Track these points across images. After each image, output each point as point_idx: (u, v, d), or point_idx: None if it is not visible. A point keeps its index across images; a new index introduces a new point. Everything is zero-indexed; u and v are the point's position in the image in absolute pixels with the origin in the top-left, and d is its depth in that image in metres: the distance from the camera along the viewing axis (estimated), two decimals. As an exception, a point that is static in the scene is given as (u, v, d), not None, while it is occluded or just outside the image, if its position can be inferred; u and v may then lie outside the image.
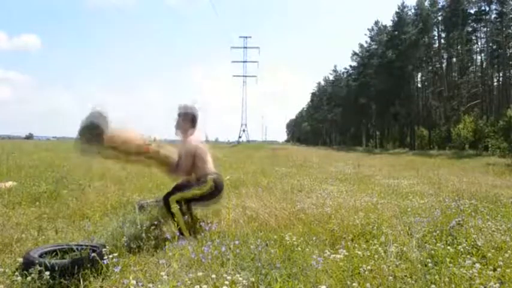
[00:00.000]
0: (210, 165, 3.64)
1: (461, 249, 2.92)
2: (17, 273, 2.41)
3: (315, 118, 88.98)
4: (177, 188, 3.53)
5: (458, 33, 40.21)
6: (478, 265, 2.48)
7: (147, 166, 3.31)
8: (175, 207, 3.39)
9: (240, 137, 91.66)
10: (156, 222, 3.54)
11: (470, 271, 2.40)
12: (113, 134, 2.59)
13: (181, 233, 3.34)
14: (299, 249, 2.98)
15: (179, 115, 3.67)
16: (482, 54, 41.58)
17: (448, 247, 2.93)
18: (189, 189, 3.49)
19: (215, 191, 3.58)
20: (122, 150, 2.84)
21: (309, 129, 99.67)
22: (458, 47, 42.67)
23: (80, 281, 2.30)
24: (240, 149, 38.12)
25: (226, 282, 2.22)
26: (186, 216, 3.41)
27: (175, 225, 3.38)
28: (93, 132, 2.49)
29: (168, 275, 2.33)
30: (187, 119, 3.64)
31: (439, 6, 43.19)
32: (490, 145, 24.17)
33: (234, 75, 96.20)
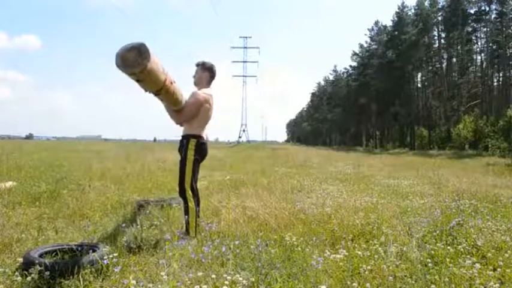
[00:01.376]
0: (202, 128, 3.60)
1: (461, 249, 2.92)
2: (17, 273, 2.42)
3: (315, 118, 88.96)
4: (181, 176, 3.50)
5: (458, 33, 40.21)
6: (478, 265, 2.48)
7: (161, 99, 3.28)
8: (192, 202, 3.40)
9: (240, 137, 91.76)
10: (156, 222, 3.54)
11: (470, 271, 2.40)
12: (153, 64, 2.56)
13: (187, 230, 3.34)
14: (299, 249, 2.98)
15: (197, 65, 3.71)
16: (482, 54, 41.60)
17: (448, 247, 2.93)
18: (185, 167, 3.46)
19: (201, 151, 3.55)
20: (152, 78, 2.81)
21: (309, 129, 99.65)
22: (458, 47, 42.67)
23: (80, 281, 2.30)
24: (240, 149, 38.14)
25: (226, 282, 2.22)
26: (199, 218, 3.43)
27: (186, 220, 3.37)
28: (139, 51, 2.46)
29: (168, 275, 2.33)
30: (205, 69, 3.67)
31: (439, 6, 43.20)
32: (490, 145, 24.17)
33: (234, 75, 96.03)
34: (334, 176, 9.12)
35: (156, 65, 2.64)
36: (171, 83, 3.04)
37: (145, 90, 2.93)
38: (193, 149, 3.48)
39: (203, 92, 3.58)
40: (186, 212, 3.42)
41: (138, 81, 2.71)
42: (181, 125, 3.65)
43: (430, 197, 5.77)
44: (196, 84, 3.70)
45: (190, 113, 3.52)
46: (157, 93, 3.00)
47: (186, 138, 3.53)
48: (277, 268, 2.51)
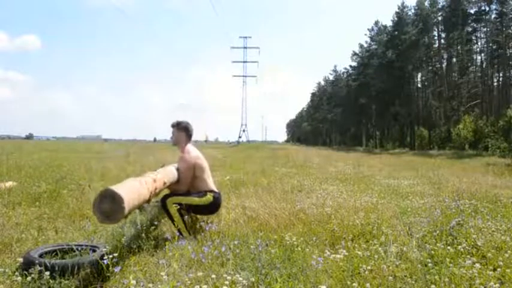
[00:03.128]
0: (210, 181, 3.70)
1: (461, 249, 2.92)
2: (17, 273, 2.41)
3: (315, 118, 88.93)
4: (175, 194, 3.54)
5: (458, 33, 40.19)
6: (478, 265, 2.48)
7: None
8: (173, 207, 3.40)
9: (240, 137, 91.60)
10: (156, 222, 3.54)
11: (470, 271, 2.40)
12: (129, 205, 2.51)
13: (181, 233, 3.34)
14: (299, 249, 2.98)
15: (172, 126, 3.76)
16: (482, 54, 41.59)
17: (448, 247, 2.93)
18: (187, 196, 3.52)
19: (214, 207, 3.63)
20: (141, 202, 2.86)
21: (309, 129, 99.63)
22: (458, 47, 42.65)
23: (80, 281, 2.30)
24: (240, 149, 38.14)
25: (226, 282, 2.22)
26: (186, 216, 3.42)
27: (175, 225, 3.39)
28: (109, 198, 2.41)
29: (168, 275, 2.33)
30: (181, 129, 3.73)
31: (439, 6, 43.19)
32: (490, 145, 24.16)
33: (234, 75, 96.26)
34: (334, 176, 9.12)
35: (132, 197, 2.55)
36: (154, 181, 3.06)
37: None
38: (210, 200, 3.55)
39: (187, 152, 3.64)
40: (171, 218, 3.42)
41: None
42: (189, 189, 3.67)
43: (430, 197, 5.76)
44: (174, 144, 3.79)
45: (188, 178, 3.59)
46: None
47: (203, 193, 3.59)
48: (277, 268, 2.51)
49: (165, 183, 3.28)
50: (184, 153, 3.64)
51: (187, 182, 3.59)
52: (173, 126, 3.76)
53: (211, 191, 3.62)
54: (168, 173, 3.49)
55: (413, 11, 46.03)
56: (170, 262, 2.58)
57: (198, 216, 3.80)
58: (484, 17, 39.10)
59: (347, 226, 3.62)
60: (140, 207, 4.49)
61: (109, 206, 2.36)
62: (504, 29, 36.77)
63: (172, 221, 3.41)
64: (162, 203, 3.49)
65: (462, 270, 2.43)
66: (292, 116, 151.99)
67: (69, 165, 10.10)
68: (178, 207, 3.41)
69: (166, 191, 3.65)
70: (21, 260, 2.53)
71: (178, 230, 3.37)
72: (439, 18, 43.55)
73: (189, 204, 3.48)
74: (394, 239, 3.17)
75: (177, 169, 3.65)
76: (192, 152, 3.66)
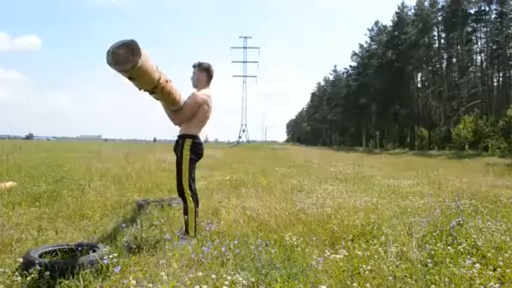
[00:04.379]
0: (199, 129, 3.60)
1: (461, 250, 2.91)
2: (17, 273, 2.41)
3: (315, 118, 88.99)
4: (178, 176, 3.51)
5: (458, 33, 40.22)
6: (478, 265, 2.48)
7: (157, 98, 3.29)
8: (191, 202, 3.41)
9: (240, 137, 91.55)
10: (156, 222, 3.54)
11: (470, 271, 2.40)
12: (145, 61, 2.55)
13: (186, 229, 3.34)
14: (299, 249, 2.98)
15: (194, 66, 3.70)
16: (482, 54, 41.62)
17: (448, 247, 2.92)
18: (181, 167, 3.46)
19: (197, 151, 3.54)
20: (145, 76, 2.81)
21: (309, 129, 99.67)
22: (458, 47, 42.67)
23: (80, 281, 2.30)
24: (240, 149, 38.15)
25: (226, 283, 2.22)
26: (198, 218, 3.43)
27: (186, 221, 3.37)
28: (130, 47, 2.45)
29: (168, 275, 2.33)
30: (203, 69, 3.66)
31: (439, 6, 43.21)
32: (490, 145, 24.18)
33: (234, 75, 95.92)
34: (334, 176, 9.11)
35: (147, 62, 2.63)
36: (166, 81, 3.03)
37: (140, 89, 2.93)
38: (189, 148, 3.47)
39: (202, 93, 3.57)
40: (186, 211, 3.42)
41: (130, 78, 2.71)
42: (179, 125, 3.64)
43: (430, 197, 5.76)
44: (194, 85, 3.69)
45: (188, 114, 3.51)
46: (152, 92, 3.00)
47: (181, 138, 3.52)
48: (277, 268, 2.51)
49: (171, 89, 3.16)
50: (198, 92, 3.56)
51: (186, 117, 3.50)
52: (194, 66, 3.68)
53: (193, 137, 3.52)
54: (177, 90, 3.41)
55: (413, 11, 46.15)
56: (170, 262, 2.58)
57: (199, 216, 3.80)
58: (484, 17, 39.14)
59: (347, 226, 3.62)
60: (140, 207, 4.52)
61: (124, 53, 2.45)
62: (504, 29, 36.79)
63: (186, 214, 3.40)
64: (181, 197, 3.48)
65: (462, 270, 2.43)
66: (292, 116, 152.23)
67: (69, 165, 10.10)
68: (194, 205, 3.41)
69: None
70: (21, 260, 2.52)
71: (185, 224, 3.36)
72: (439, 18, 43.59)
73: (188, 171, 3.45)
74: (394, 239, 3.16)
75: (184, 102, 3.54)
76: (205, 95, 3.57)
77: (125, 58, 2.46)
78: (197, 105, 3.50)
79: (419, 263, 2.64)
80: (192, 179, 3.52)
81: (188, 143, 3.48)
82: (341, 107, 64.45)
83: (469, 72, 43.12)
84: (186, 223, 3.38)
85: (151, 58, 2.72)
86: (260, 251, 2.79)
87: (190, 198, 3.43)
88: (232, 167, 12.02)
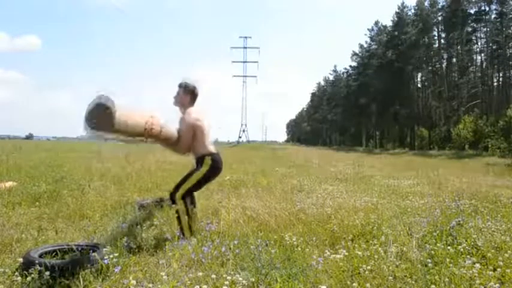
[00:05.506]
0: (209, 144, 3.62)
1: (461, 249, 2.91)
2: (17, 273, 2.41)
3: (315, 118, 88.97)
4: (183, 180, 3.52)
5: (458, 33, 40.23)
6: (478, 265, 2.48)
7: (151, 143, 3.33)
8: (182, 205, 3.40)
9: (240, 137, 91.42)
10: (156, 222, 3.54)
11: (470, 271, 2.40)
12: (121, 117, 2.52)
13: (182, 233, 3.34)
14: (299, 249, 2.98)
15: (180, 86, 3.69)
16: (482, 54, 41.62)
17: (448, 247, 2.92)
18: (192, 176, 3.49)
19: (215, 169, 3.58)
20: (128, 134, 2.82)
21: (309, 129, 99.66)
22: (458, 47, 42.68)
23: (80, 281, 2.30)
24: (240, 149, 38.14)
25: (226, 283, 2.22)
26: (187, 217, 3.41)
27: (179, 223, 3.37)
28: (101, 114, 2.42)
29: (168, 275, 2.33)
30: (188, 91, 3.66)
31: (439, 6, 43.22)
32: (490, 145, 24.19)
33: (234, 76, 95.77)
34: (334, 176, 9.11)
35: (125, 112, 2.60)
36: (150, 129, 3.05)
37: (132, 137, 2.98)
38: (209, 163, 3.51)
39: (189, 114, 3.59)
40: (178, 216, 3.41)
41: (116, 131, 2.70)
42: (188, 152, 3.65)
43: (430, 197, 5.76)
44: (176, 105, 3.71)
45: (188, 139, 3.54)
46: (146, 139, 3.07)
47: (201, 157, 3.56)
48: (277, 268, 2.51)
49: (162, 129, 3.21)
50: (185, 115, 3.58)
51: (187, 143, 3.54)
52: (180, 86, 3.69)
53: (209, 154, 3.56)
54: (168, 125, 3.44)
55: (413, 11, 46.16)
56: (170, 262, 2.58)
57: (199, 216, 3.80)
58: (484, 17, 39.14)
59: (347, 226, 3.62)
60: (140, 207, 4.51)
61: (101, 115, 2.43)
62: (504, 29, 36.80)
63: (178, 218, 3.40)
64: (172, 198, 3.48)
65: (462, 270, 2.43)
66: (292, 116, 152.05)
67: (69, 165, 10.11)
68: (185, 207, 3.40)
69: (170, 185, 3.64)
70: (21, 260, 2.52)
71: (180, 229, 3.36)
72: (439, 18, 43.59)
73: (195, 183, 3.48)
74: (394, 239, 3.17)
75: (178, 131, 3.58)
76: (193, 114, 3.60)
77: (103, 117, 2.41)
78: (191, 128, 3.53)
79: (419, 263, 2.64)
80: (191, 191, 3.51)
81: (208, 160, 3.52)
82: (341, 107, 64.45)
83: (469, 72, 43.13)
84: (181, 227, 3.38)
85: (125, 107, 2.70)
86: (260, 251, 2.79)
87: (180, 201, 3.43)
88: (232, 167, 12.00)
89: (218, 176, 3.79)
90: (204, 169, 3.50)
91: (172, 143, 3.55)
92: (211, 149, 3.63)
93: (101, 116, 2.40)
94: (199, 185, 3.55)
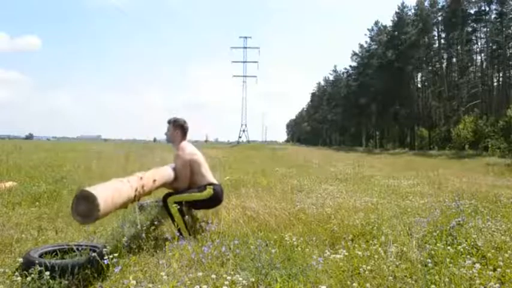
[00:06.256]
0: (209, 175, 3.69)
1: (461, 250, 2.91)
2: (17, 273, 2.41)
3: (315, 118, 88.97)
4: (175, 193, 3.55)
5: (458, 33, 40.23)
6: (478, 265, 2.48)
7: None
8: (174, 207, 3.40)
9: (240, 137, 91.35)
10: (156, 222, 3.54)
11: (470, 271, 2.40)
12: (107, 201, 2.48)
13: (181, 233, 3.34)
14: (299, 249, 2.98)
15: (169, 122, 3.75)
16: (482, 54, 41.60)
17: (448, 247, 2.92)
18: (189, 193, 3.52)
19: (215, 200, 3.63)
20: (123, 206, 2.84)
21: (309, 129, 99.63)
22: (458, 47, 42.67)
23: (80, 281, 2.30)
24: (240, 149, 38.13)
25: (226, 283, 2.22)
26: (187, 216, 3.42)
27: (175, 225, 3.39)
28: (85, 208, 2.37)
29: (168, 275, 2.33)
30: (177, 126, 3.71)
31: (439, 6, 43.21)
32: (490, 145, 24.21)
33: (234, 75, 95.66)
34: (334, 176, 9.12)
35: (109, 194, 2.53)
36: (143, 190, 3.03)
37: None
38: (210, 194, 3.55)
39: (182, 150, 3.62)
40: (172, 218, 3.42)
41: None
42: (189, 185, 3.66)
43: (430, 197, 5.76)
44: (169, 141, 3.77)
45: (186, 174, 3.57)
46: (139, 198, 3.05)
47: (203, 187, 3.58)
48: (277, 268, 2.51)
49: (155, 180, 3.24)
50: (179, 151, 3.63)
51: (186, 179, 3.58)
52: (169, 122, 3.74)
53: (211, 184, 3.61)
54: (160, 171, 3.48)
55: (413, 11, 46.13)
56: (170, 262, 2.58)
57: (199, 216, 3.80)
58: (484, 17, 39.12)
59: (347, 226, 3.62)
60: (140, 207, 4.51)
61: (85, 206, 2.32)
62: (504, 29, 36.78)
63: (173, 220, 3.41)
64: (164, 202, 3.49)
65: (462, 270, 2.43)
66: (292, 116, 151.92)
67: (69, 165, 10.11)
68: (178, 206, 3.41)
69: (166, 190, 3.65)
70: (21, 260, 2.52)
71: (178, 230, 3.37)
72: (439, 18, 43.58)
73: (190, 200, 3.49)
74: (394, 239, 3.17)
75: (174, 168, 3.64)
76: (187, 148, 3.64)
77: (89, 209, 2.32)
78: (187, 163, 3.57)
79: (419, 263, 2.64)
80: (186, 205, 3.48)
81: (210, 190, 3.55)
82: (341, 107, 64.43)
83: (469, 72, 43.12)
84: (178, 229, 3.38)
85: (107, 185, 2.66)
86: (260, 251, 2.78)
87: (172, 204, 3.43)
88: (232, 167, 12.01)
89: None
90: (204, 194, 3.53)
91: (171, 183, 3.59)
92: (212, 179, 3.68)
93: (85, 210, 2.36)
94: (193, 204, 3.56)
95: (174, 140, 3.72)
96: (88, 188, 2.38)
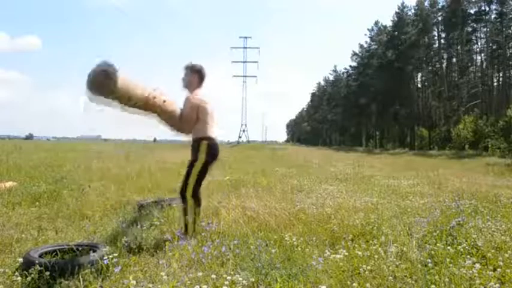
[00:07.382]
0: (210, 127, 3.56)
1: (461, 250, 2.91)
2: (17, 273, 2.42)
3: (315, 118, 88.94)
4: (186, 177, 3.50)
5: (458, 33, 40.22)
6: (478, 265, 2.48)
7: (153, 117, 3.33)
8: (190, 200, 3.39)
9: (240, 137, 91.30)
10: (156, 222, 3.54)
11: (470, 271, 2.40)
12: (123, 80, 2.58)
13: (186, 229, 3.33)
14: (299, 249, 2.98)
15: (186, 68, 3.65)
16: (482, 54, 41.59)
17: (448, 247, 2.93)
18: (192, 170, 3.47)
19: (212, 156, 3.52)
20: (130, 100, 2.84)
21: (309, 129, 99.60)
22: (458, 47, 42.66)
23: (80, 281, 2.30)
24: (240, 149, 38.13)
25: (226, 283, 2.22)
26: (194, 215, 3.42)
27: (185, 220, 3.35)
28: (103, 75, 2.48)
29: (168, 275, 2.33)
30: (195, 71, 3.63)
31: (439, 6, 43.21)
32: (490, 145, 24.21)
33: (234, 76, 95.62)
34: (334, 176, 9.11)
35: (125, 81, 2.70)
36: (153, 97, 3.09)
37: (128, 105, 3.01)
38: (205, 151, 3.46)
39: (195, 95, 3.55)
40: (185, 212, 3.41)
41: (116, 98, 2.78)
42: (190, 133, 3.62)
43: (430, 197, 5.76)
44: (185, 87, 3.66)
45: (190, 119, 3.48)
46: (145, 108, 3.12)
47: (197, 141, 3.51)
48: (277, 268, 2.51)
49: (165, 101, 3.24)
50: (190, 95, 3.55)
51: (190, 122, 3.49)
52: (187, 68, 3.64)
53: (207, 138, 3.50)
54: (171, 100, 3.43)
55: (413, 11, 46.10)
56: (170, 262, 2.58)
57: (199, 215, 3.79)
58: (484, 17, 39.11)
59: (347, 226, 3.62)
60: (140, 207, 4.51)
61: (103, 77, 2.54)
62: (504, 29, 36.77)
63: (185, 214, 3.38)
64: (181, 196, 3.46)
65: (462, 270, 2.43)
66: (292, 116, 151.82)
67: (69, 165, 10.11)
68: (195, 204, 3.40)
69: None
70: (21, 260, 2.53)
71: (185, 225, 3.35)
72: (439, 18, 43.57)
73: (198, 178, 3.46)
74: (394, 239, 3.17)
75: (181, 110, 3.55)
76: (200, 95, 3.56)
77: (102, 83, 2.48)
78: (194, 108, 3.47)
79: (419, 263, 2.64)
80: (199, 183, 3.49)
81: (204, 145, 3.47)
82: (341, 107, 64.40)
83: (469, 72, 43.10)
84: (186, 223, 3.37)
85: (131, 80, 2.82)
86: (260, 251, 2.79)
87: (190, 198, 3.42)
88: (232, 167, 12.01)
89: (217, 160, 3.71)
90: (200, 156, 3.45)
91: (175, 122, 3.50)
92: (212, 133, 3.56)
93: (102, 77, 2.47)
94: (201, 176, 3.50)
95: (191, 85, 3.62)
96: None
